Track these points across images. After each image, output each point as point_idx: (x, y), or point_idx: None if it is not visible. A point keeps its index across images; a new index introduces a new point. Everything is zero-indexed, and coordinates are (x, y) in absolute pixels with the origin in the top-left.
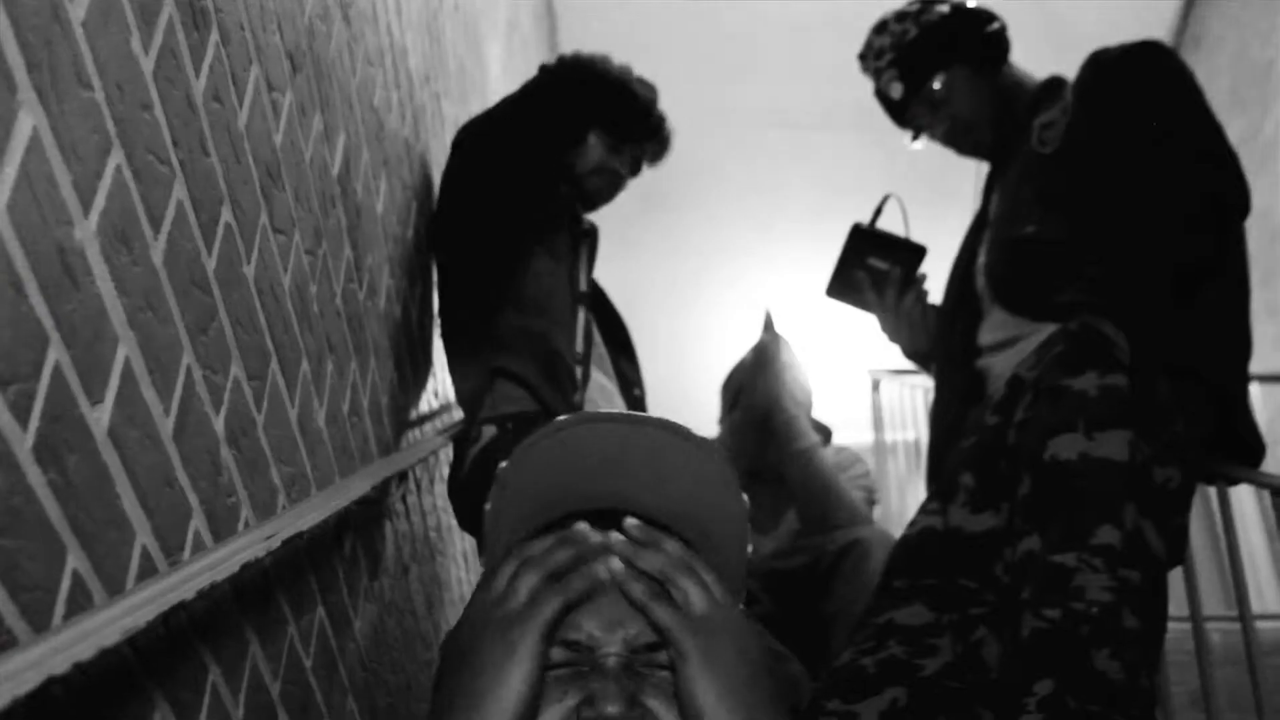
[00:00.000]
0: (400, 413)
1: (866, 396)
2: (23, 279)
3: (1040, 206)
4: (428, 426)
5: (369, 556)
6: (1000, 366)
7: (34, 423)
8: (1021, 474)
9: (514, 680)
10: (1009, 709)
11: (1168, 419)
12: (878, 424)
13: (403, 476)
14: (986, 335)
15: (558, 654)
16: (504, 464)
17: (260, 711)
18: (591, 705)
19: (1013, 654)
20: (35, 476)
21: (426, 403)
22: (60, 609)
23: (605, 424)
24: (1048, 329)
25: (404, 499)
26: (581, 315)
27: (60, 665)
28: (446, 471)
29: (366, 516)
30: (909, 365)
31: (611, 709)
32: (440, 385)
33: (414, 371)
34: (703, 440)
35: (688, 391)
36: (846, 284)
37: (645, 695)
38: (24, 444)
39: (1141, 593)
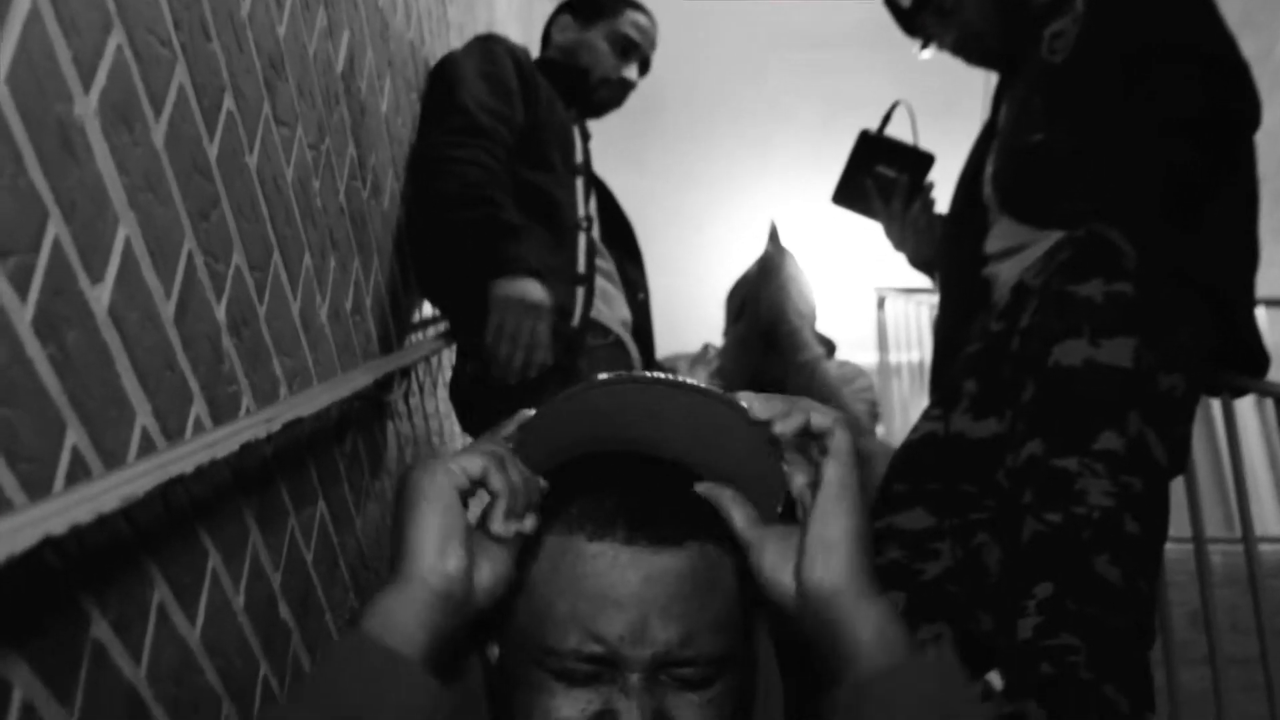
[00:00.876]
0: (403, 315)
1: (871, 316)
2: (22, 151)
3: (1049, 115)
4: (430, 330)
5: (371, 455)
6: (1006, 274)
7: (33, 295)
8: (1025, 380)
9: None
10: (1009, 612)
11: (1173, 327)
12: (882, 344)
13: (405, 374)
14: (993, 243)
15: (581, 668)
16: (531, 412)
17: (260, 602)
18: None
19: (1013, 558)
20: (34, 349)
21: (429, 307)
22: (59, 484)
23: (642, 385)
24: (1054, 236)
25: (406, 400)
26: (583, 239)
27: (58, 526)
28: (449, 376)
29: (368, 414)
30: (915, 283)
31: None
32: None
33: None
34: (737, 403)
35: (692, 303)
36: (853, 191)
37: (671, 709)
38: (23, 316)
39: (1143, 499)
